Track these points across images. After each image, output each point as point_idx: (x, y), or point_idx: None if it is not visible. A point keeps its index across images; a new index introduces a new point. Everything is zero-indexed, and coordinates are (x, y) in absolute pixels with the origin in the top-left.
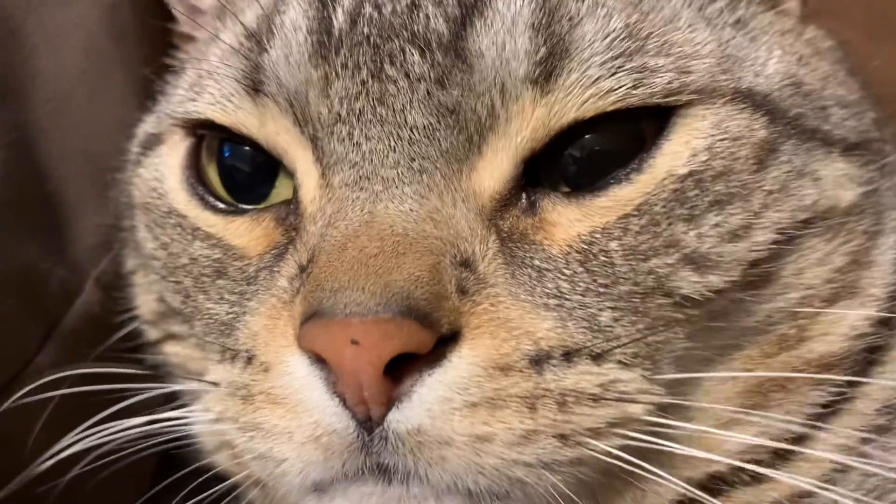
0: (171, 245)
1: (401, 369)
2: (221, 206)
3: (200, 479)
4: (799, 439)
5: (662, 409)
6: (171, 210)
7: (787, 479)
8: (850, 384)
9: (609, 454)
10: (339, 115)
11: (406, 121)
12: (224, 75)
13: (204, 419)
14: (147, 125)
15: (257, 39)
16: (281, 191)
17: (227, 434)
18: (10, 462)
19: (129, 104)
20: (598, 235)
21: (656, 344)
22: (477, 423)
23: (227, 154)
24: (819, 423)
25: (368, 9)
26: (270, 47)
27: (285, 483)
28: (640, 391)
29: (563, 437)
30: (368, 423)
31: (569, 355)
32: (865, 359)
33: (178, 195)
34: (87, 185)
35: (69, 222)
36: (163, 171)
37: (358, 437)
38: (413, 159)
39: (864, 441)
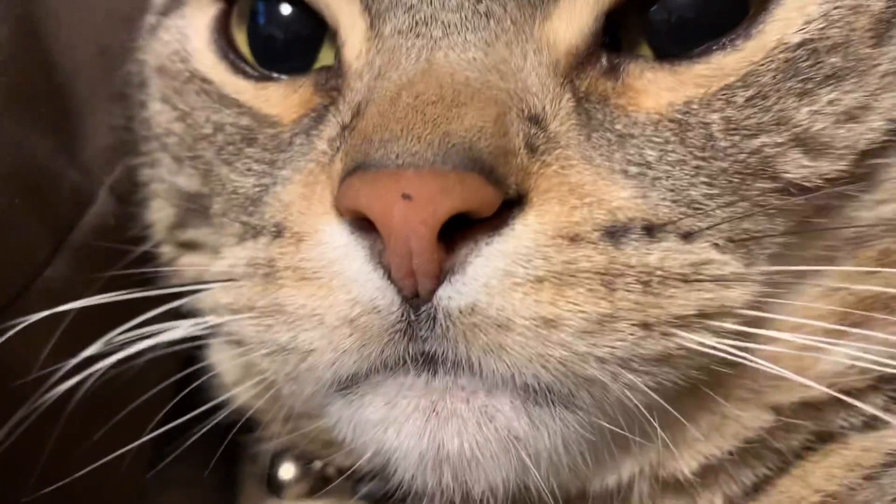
0: (193, 114)
1: (454, 237)
2: (253, 72)
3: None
4: None
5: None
6: (194, 74)
7: None
8: None
9: (702, 348)
10: None
11: None
12: None
13: (210, 330)
14: None
15: None
16: (324, 60)
17: (240, 330)
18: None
19: None
20: (695, 106)
21: (753, 231)
22: (543, 304)
23: (262, 21)
24: None
25: None
26: None
27: (311, 381)
28: (737, 276)
29: (645, 326)
30: (415, 300)
31: (651, 230)
32: None
33: (205, 57)
34: (99, 81)
35: (80, 119)
36: (187, 32)
37: (402, 316)
38: (479, 1)
39: None
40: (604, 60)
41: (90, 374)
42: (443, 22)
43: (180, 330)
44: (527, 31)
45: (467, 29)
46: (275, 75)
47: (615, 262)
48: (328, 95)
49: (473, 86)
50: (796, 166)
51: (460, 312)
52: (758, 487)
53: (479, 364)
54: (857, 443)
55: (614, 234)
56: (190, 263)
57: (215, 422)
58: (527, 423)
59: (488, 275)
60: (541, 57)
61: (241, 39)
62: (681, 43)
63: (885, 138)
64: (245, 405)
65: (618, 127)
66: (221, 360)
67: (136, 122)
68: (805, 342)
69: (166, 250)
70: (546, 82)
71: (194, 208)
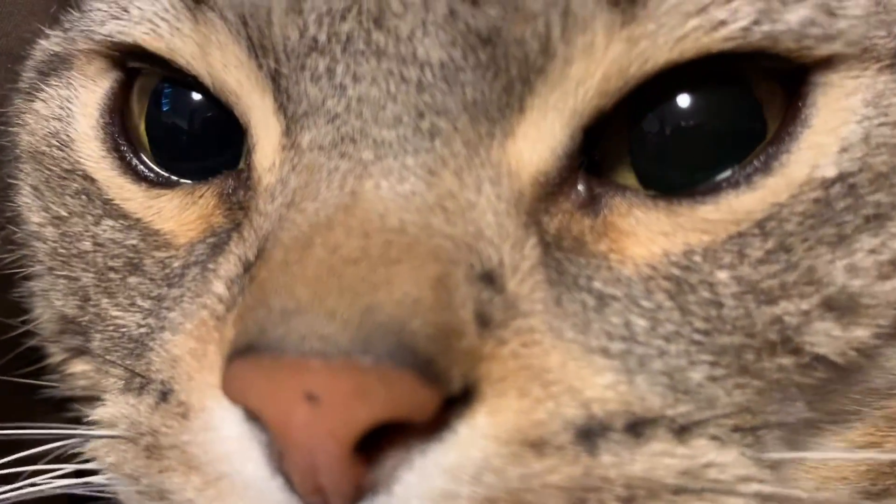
0: (70, 221)
1: (379, 441)
2: (148, 173)
3: None
4: None
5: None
6: (74, 168)
7: None
8: None
9: None
10: (316, 42)
11: (416, 54)
12: None
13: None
14: (49, 42)
15: None
16: (223, 156)
17: (128, 498)
18: None
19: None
20: (697, 258)
21: (766, 415)
22: None
23: (165, 107)
24: None
25: None
26: None
27: None
28: (742, 478)
29: None
30: None
31: (636, 426)
32: None
33: (90, 147)
34: None
35: None
36: (72, 108)
37: None
38: (422, 114)
39: None
40: (580, 189)
41: None
42: (374, 140)
43: (68, 470)
44: (482, 155)
45: (406, 151)
46: (174, 179)
47: (591, 474)
48: (232, 215)
49: (410, 233)
50: (826, 337)
51: None
52: None
53: None
54: None
55: (590, 434)
56: (82, 373)
57: None
58: None
59: (422, 495)
60: (499, 189)
61: (140, 127)
62: (679, 171)
63: None
64: None
65: (596, 285)
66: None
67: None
68: None
69: (54, 353)
70: (505, 223)
71: (76, 332)
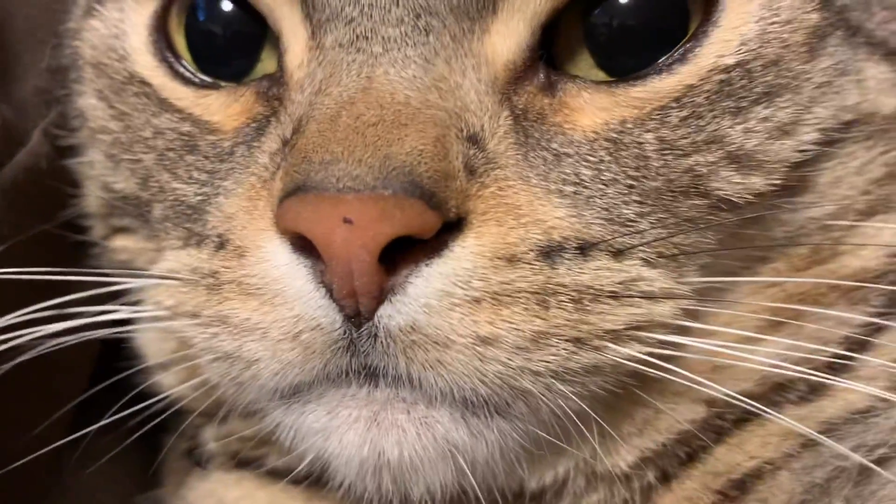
0: (131, 116)
1: (395, 258)
2: (194, 78)
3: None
4: (834, 369)
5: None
6: (132, 75)
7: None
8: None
9: (631, 360)
10: None
11: None
12: None
13: (151, 317)
14: None
15: None
16: (266, 65)
17: (183, 331)
18: None
19: None
20: (629, 125)
21: (683, 246)
22: (480, 322)
23: (202, 17)
24: (853, 355)
25: None
26: None
27: (254, 388)
28: (665, 292)
29: (577, 341)
30: (357, 319)
31: (584, 249)
32: None
33: (143, 58)
34: (28, 29)
35: (13, 62)
36: (124, 27)
37: (344, 333)
38: (419, 16)
39: None
40: (541, 75)
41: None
42: (383, 37)
43: (120, 314)
44: (465, 47)
45: (407, 45)
46: (215, 82)
47: (550, 282)
48: (270, 105)
49: (413, 105)
50: (728, 183)
51: (400, 331)
52: (692, 457)
53: (420, 379)
54: (792, 412)
55: (549, 253)
56: (123, 248)
57: (141, 407)
58: (465, 432)
59: (428, 295)
60: (479, 73)
61: (179, 41)
62: (619, 53)
63: (817, 147)
64: (174, 392)
65: (554, 146)
66: (149, 344)
67: (70, 104)
68: (736, 342)
69: (98, 228)
70: (484, 100)
71: (130, 208)
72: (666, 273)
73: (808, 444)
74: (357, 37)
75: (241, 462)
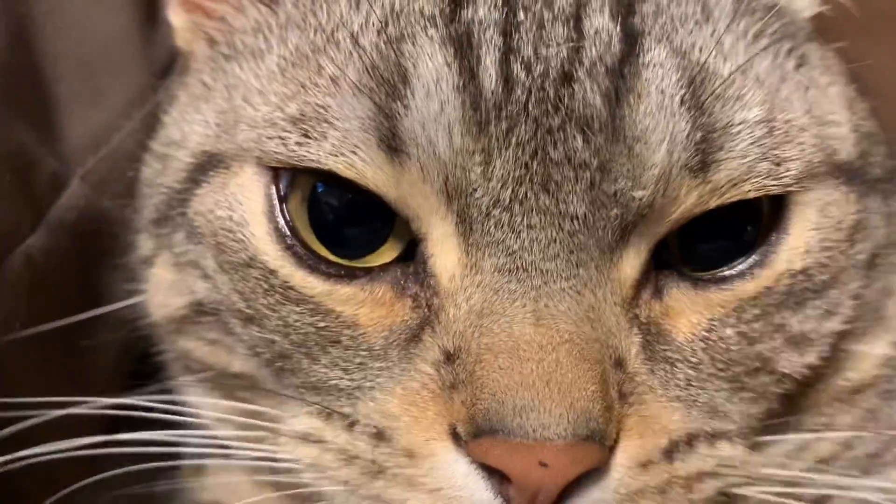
0: (256, 299)
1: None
2: (325, 269)
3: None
4: None
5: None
6: (253, 259)
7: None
8: None
9: None
10: (500, 199)
11: (568, 210)
12: (348, 118)
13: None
14: (198, 137)
15: (385, 80)
16: (384, 253)
17: (317, 485)
18: None
19: (125, 14)
20: (715, 324)
21: (757, 416)
22: None
23: (328, 211)
24: None
25: (517, 69)
26: (408, 97)
27: None
28: (742, 461)
29: None
30: None
31: (690, 440)
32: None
33: (267, 248)
34: (76, 88)
35: (60, 119)
36: (243, 215)
37: None
38: (572, 251)
39: None
40: (650, 283)
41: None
42: (541, 270)
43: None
44: (605, 274)
45: (562, 277)
46: (346, 271)
47: (671, 476)
48: (416, 310)
49: (576, 342)
50: (789, 362)
51: None
52: None
53: None
54: None
55: (669, 453)
56: (195, 349)
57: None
58: None
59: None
60: (615, 296)
61: (299, 218)
62: (710, 257)
63: (851, 323)
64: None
65: (668, 353)
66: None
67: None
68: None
69: (165, 329)
70: (621, 321)
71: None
72: (743, 444)
73: None
74: (517, 267)
75: None
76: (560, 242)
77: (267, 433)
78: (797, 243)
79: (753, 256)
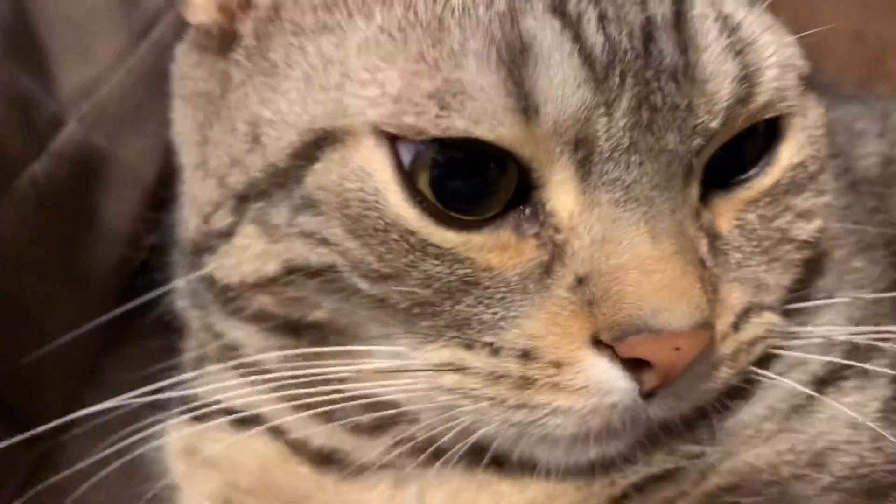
0: (397, 259)
1: None
2: (454, 222)
3: None
4: None
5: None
6: (392, 224)
7: None
8: None
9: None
10: (620, 144)
11: (667, 145)
12: (483, 88)
13: (412, 388)
14: (299, 116)
15: (511, 50)
16: (498, 197)
17: (458, 405)
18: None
19: None
20: (744, 213)
21: (786, 287)
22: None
23: (450, 172)
24: None
25: (614, 33)
26: (535, 65)
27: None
28: (782, 326)
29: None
30: (651, 396)
31: (747, 313)
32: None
33: (407, 212)
34: (69, 45)
35: (56, 70)
36: (374, 185)
37: (637, 404)
38: (668, 179)
39: None
40: (700, 196)
41: None
42: (648, 197)
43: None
44: (684, 195)
45: (662, 201)
46: (474, 221)
47: (737, 342)
48: (542, 247)
49: (679, 253)
50: (803, 230)
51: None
52: None
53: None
54: None
55: (736, 325)
56: (288, 306)
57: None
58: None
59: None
60: (690, 210)
61: (423, 179)
62: (737, 168)
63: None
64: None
65: (721, 246)
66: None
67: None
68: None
69: (244, 291)
70: (695, 231)
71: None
72: (778, 310)
73: None
74: (630, 198)
75: None
76: (660, 173)
77: (372, 367)
78: (793, 143)
79: (764, 159)
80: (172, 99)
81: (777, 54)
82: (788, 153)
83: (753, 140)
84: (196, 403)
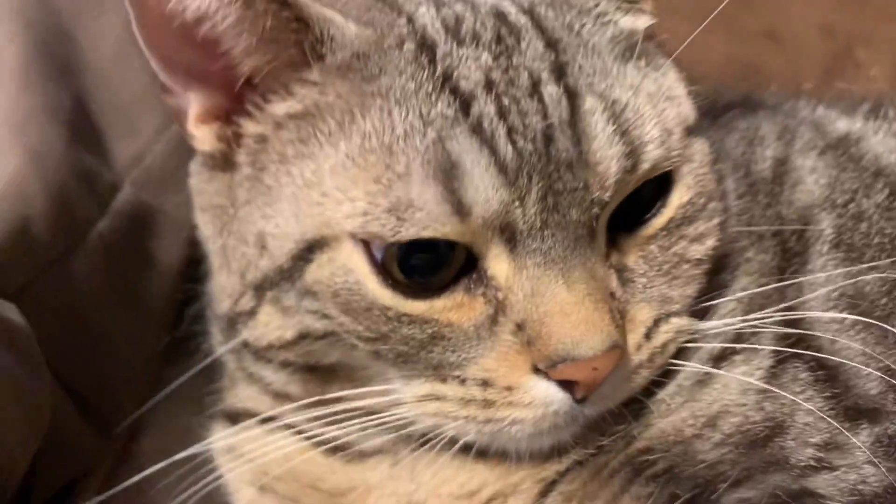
0: (379, 327)
1: None
2: (422, 293)
3: None
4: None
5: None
6: (373, 303)
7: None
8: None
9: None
10: (533, 225)
11: (571, 218)
12: (427, 201)
13: (406, 414)
14: (294, 228)
15: (444, 170)
16: (452, 268)
17: (442, 423)
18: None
19: (146, 73)
20: (646, 247)
21: (690, 296)
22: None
23: (414, 260)
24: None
25: (520, 141)
26: (463, 178)
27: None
28: (689, 327)
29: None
30: (583, 401)
31: (657, 323)
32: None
33: (382, 294)
34: (116, 123)
35: (108, 145)
36: (357, 278)
37: (573, 408)
38: (575, 240)
39: None
40: (609, 241)
41: None
42: (562, 257)
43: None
44: (593, 246)
45: (574, 257)
46: (436, 291)
47: (651, 350)
48: (489, 303)
49: (593, 295)
50: (696, 250)
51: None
52: None
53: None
54: None
55: (648, 335)
56: (307, 356)
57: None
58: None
59: (613, 378)
60: (599, 257)
61: (394, 267)
62: (637, 214)
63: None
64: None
65: (628, 276)
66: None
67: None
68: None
69: (281, 352)
70: (605, 270)
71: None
72: (687, 314)
73: None
74: (548, 261)
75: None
76: (568, 238)
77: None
78: (682, 186)
79: (658, 203)
80: (193, 209)
81: (661, 123)
82: (678, 195)
83: (651, 187)
84: (232, 410)
